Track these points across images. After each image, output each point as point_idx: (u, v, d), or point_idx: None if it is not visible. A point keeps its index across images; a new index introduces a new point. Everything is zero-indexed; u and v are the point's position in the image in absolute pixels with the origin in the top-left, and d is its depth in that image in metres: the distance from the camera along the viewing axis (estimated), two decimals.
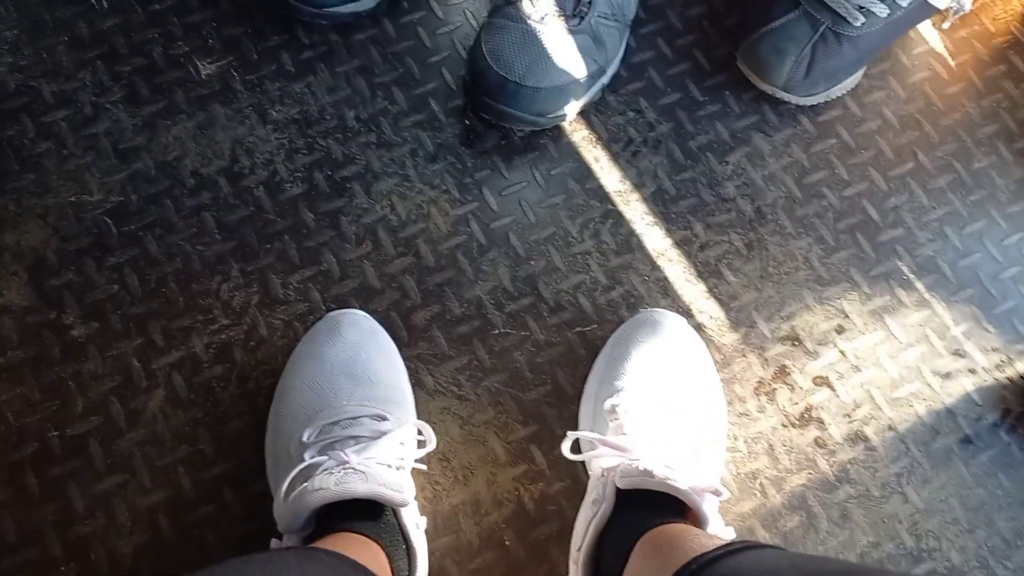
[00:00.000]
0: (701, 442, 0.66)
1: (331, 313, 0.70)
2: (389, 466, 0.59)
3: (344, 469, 0.56)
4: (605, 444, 0.61)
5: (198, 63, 0.82)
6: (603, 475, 0.60)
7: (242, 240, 0.76)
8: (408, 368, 0.71)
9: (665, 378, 0.67)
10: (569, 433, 0.63)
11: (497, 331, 0.75)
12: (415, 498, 0.61)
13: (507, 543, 0.69)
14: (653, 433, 0.62)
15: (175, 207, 0.77)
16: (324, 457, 0.58)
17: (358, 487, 0.55)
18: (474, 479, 0.71)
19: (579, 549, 0.59)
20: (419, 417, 0.69)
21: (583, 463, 0.70)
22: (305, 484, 0.56)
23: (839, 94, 0.83)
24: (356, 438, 0.60)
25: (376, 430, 0.61)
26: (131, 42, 0.82)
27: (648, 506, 0.57)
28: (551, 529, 0.69)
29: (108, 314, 0.73)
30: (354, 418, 0.62)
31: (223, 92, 0.81)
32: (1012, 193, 0.82)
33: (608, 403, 0.65)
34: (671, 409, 0.65)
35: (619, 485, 0.57)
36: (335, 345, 0.67)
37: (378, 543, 0.56)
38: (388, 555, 0.57)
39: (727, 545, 0.48)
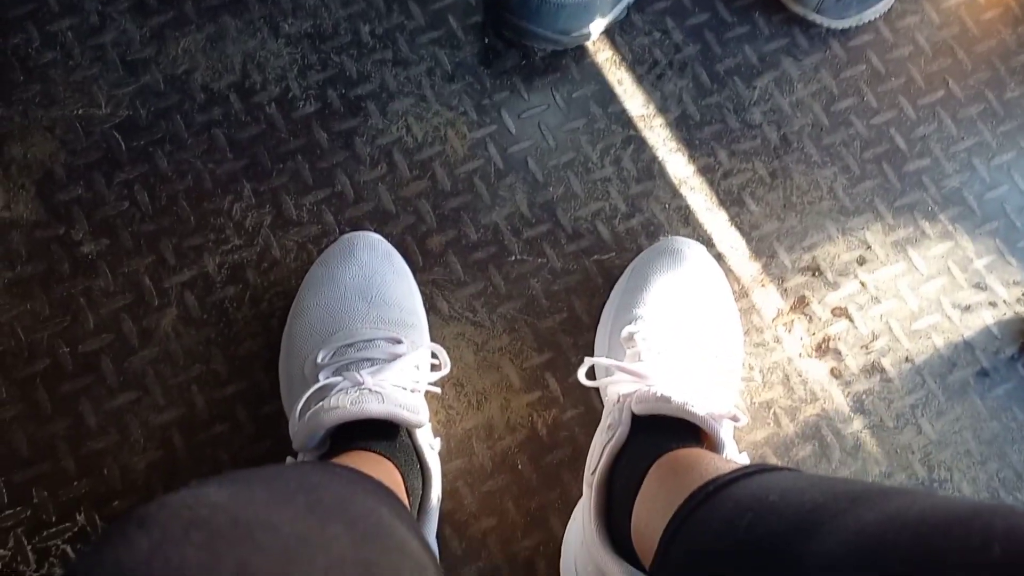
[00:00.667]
0: (717, 371, 0.65)
1: (345, 235, 0.69)
2: (404, 388, 0.59)
3: (360, 390, 0.56)
4: (622, 370, 0.61)
5: None
6: (619, 401, 0.60)
7: (254, 159, 0.74)
8: (423, 293, 0.70)
9: (684, 307, 0.67)
10: (586, 359, 0.63)
11: (513, 257, 0.74)
12: (429, 420, 0.61)
13: (519, 467, 0.69)
14: (670, 361, 0.62)
15: (185, 123, 0.75)
16: (339, 378, 0.58)
17: (374, 407, 0.55)
18: (488, 404, 0.70)
19: (593, 472, 0.59)
20: (434, 341, 0.68)
21: (597, 390, 0.70)
22: (321, 403, 0.55)
23: (872, 17, 0.80)
24: (371, 360, 0.60)
25: (391, 352, 0.61)
26: None
27: (664, 431, 0.57)
28: (563, 454, 0.69)
29: (119, 231, 0.72)
30: (368, 340, 0.61)
31: (233, 3, 0.78)
32: None
33: (626, 330, 0.64)
34: (689, 338, 0.65)
35: (635, 411, 0.57)
36: (350, 267, 0.66)
37: (392, 462, 0.56)
38: (402, 474, 0.57)
39: (744, 468, 0.47)
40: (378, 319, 0.64)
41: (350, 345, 0.61)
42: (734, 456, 0.57)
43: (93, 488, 0.66)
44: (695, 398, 0.57)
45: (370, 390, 0.56)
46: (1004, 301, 0.76)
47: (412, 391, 0.60)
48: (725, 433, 0.56)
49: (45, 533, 0.65)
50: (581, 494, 0.64)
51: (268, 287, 0.71)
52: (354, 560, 0.32)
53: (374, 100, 0.76)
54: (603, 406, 0.68)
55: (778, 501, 0.40)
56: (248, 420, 0.68)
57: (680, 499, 0.48)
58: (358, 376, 0.57)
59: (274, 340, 0.69)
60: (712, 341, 0.66)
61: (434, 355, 0.63)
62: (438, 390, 0.64)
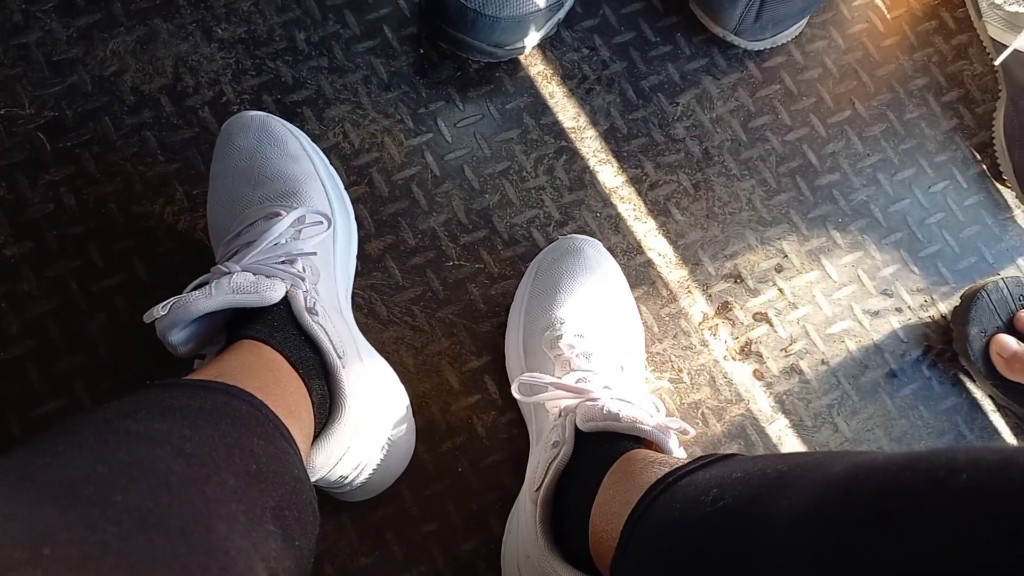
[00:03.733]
0: (633, 364, 0.67)
1: (224, 124, 0.67)
2: (280, 262, 0.57)
3: (222, 279, 0.54)
4: (559, 387, 0.61)
5: None
6: (560, 416, 0.60)
7: (186, 162, 0.73)
8: (362, 298, 0.71)
9: (599, 307, 0.68)
10: (520, 377, 0.63)
11: (451, 263, 0.75)
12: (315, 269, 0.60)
13: (460, 470, 0.70)
14: (601, 365, 0.63)
15: (114, 125, 0.73)
16: (209, 274, 0.56)
17: (202, 304, 0.53)
18: (428, 408, 0.71)
19: (537, 489, 0.58)
20: (372, 345, 0.68)
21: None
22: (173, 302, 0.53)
23: (784, 41, 0.85)
24: (248, 244, 0.58)
25: (263, 230, 0.58)
26: None
27: (608, 440, 0.57)
28: (503, 456, 0.70)
29: (43, 233, 0.69)
30: (250, 224, 0.60)
31: (165, 6, 0.77)
32: (939, 143, 0.86)
33: (547, 335, 0.65)
34: (609, 337, 0.66)
35: (582, 428, 0.57)
36: (231, 155, 0.65)
37: (270, 344, 0.54)
38: (284, 354, 0.54)
39: (702, 458, 0.48)
40: (262, 198, 0.62)
41: (237, 235, 0.60)
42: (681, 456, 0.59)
43: None
44: (640, 411, 0.58)
45: (220, 280, 0.54)
46: (909, 307, 0.81)
47: (289, 262, 0.58)
48: (673, 443, 0.57)
49: None
50: (522, 505, 0.64)
51: None
52: (74, 560, 0.27)
53: (310, 106, 0.77)
54: (530, 417, 0.69)
55: (742, 475, 0.41)
56: None
57: (638, 495, 0.48)
58: (223, 267, 0.56)
59: None
60: (626, 338, 0.68)
61: (320, 215, 0.61)
62: (315, 252, 0.60)
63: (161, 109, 0.74)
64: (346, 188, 0.72)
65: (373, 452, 0.61)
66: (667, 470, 0.49)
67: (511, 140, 0.79)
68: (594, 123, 0.81)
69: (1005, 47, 0.82)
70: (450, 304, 0.74)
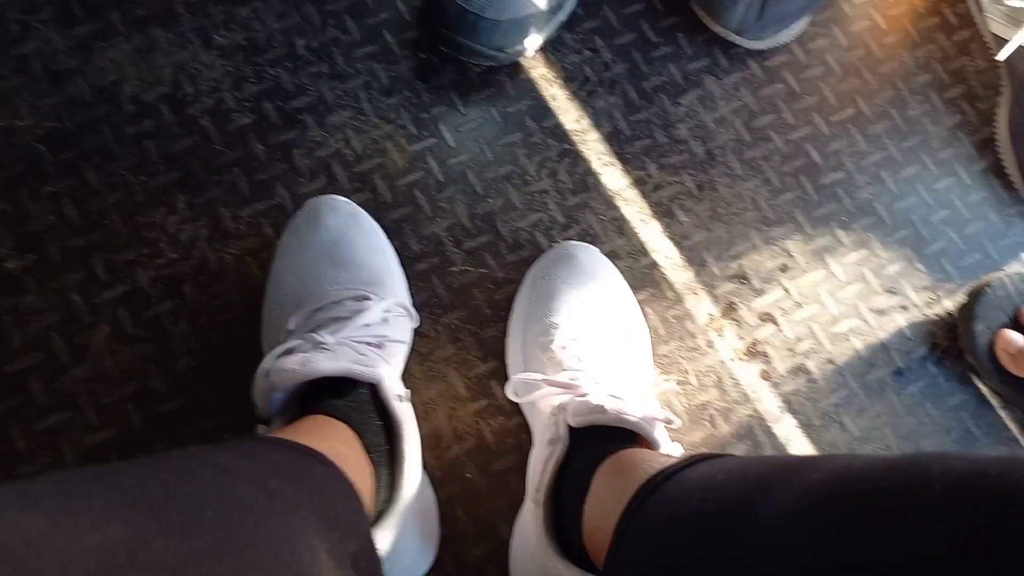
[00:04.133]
0: (634, 362, 0.67)
1: (310, 201, 0.69)
2: (369, 343, 0.58)
3: (317, 349, 0.55)
4: (550, 383, 0.62)
5: None
6: (553, 414, 0.61)
7: (188, 171, 0.73)
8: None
9: (592, 308, 0.68)
10: (513, 377, 0.64)
11: (456, 268, 0.75)
12: (400, 371, 0.62)
13: (468, 475, 0.69)
14: (593, 364, 0.63)
15: (114, 135, 0.73)
16: (299, 340, 0.57)
17: (323, 365, 0.54)
18: (435, 414, 0.70)
19: (538, 489, 0.59)
20: None
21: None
22: (273, 365, 0.54)
23: (787, 39, 0.84)
24: (336, 319, 0.59)
25: (355, 310, 0.60)
26: None
27: (602, 436, 0.58)
28: (511, 461, 0.70)
29: (45, 245, 0.69)
30: (336, 302, 0.61)
31: (163, 15, 0.77)
32: (943, 140, 0.86)
33: (541, 341, 0.66)
34: (604, 338, 0.66)
35: (572, 424, 0.58)
36: (317, 233, 0.66)
37: (346, 422, 0.55)
38: (359, 433, 0.55)
39: (688, 458, 0.50)
40: (347, 281, 0.63)
41: (319, 309, 0.61)
42: (670, 451, 0.59)
43: None
44: (626, 399, 0.59)
45: (325, 348, 0.55)
46: (915, 304, 0.81)
47: (377, 345, 0.59)
48: (659, 433, 0.58)
49: None
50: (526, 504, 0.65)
51: (206, 301, 0.70)
52: (169, 564, 0.29)
53: (311, 113, 0.76)
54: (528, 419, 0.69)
55: (725, 479, 0.43)
56: (190, 437, 0.66)
57: (629, 495, 0.49)
58: (316, 336, 0.56)
59: (215, 354, 0.67)
60: (624, 334, 0.69)
61: (404, 308, 0.63)
62: (405, 340, 0.63)
63: (161, 118, 0.74)
64: (349, 194, 0.72)
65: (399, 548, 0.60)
66: (657, 468, 0.50)
67: (514, 144, 0.79)
68: (597, 125, 0.81)
69: (1007, 42, 0.82)
70: (455, 310, 0.73)
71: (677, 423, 0.59)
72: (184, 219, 0.72)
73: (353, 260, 0.65)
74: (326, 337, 0.56)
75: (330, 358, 0.54)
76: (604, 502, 0.53)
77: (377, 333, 0.59)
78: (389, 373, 0.58)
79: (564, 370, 0.63)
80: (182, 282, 0.70)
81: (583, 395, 0.60)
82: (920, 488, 0.32)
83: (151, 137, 0.73)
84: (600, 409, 0.57)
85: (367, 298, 0.61)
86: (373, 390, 0.58)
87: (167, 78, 0.75)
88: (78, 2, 0.75)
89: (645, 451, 0.57)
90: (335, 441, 0.52)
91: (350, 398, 0.57)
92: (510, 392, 0.64)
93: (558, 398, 0.62)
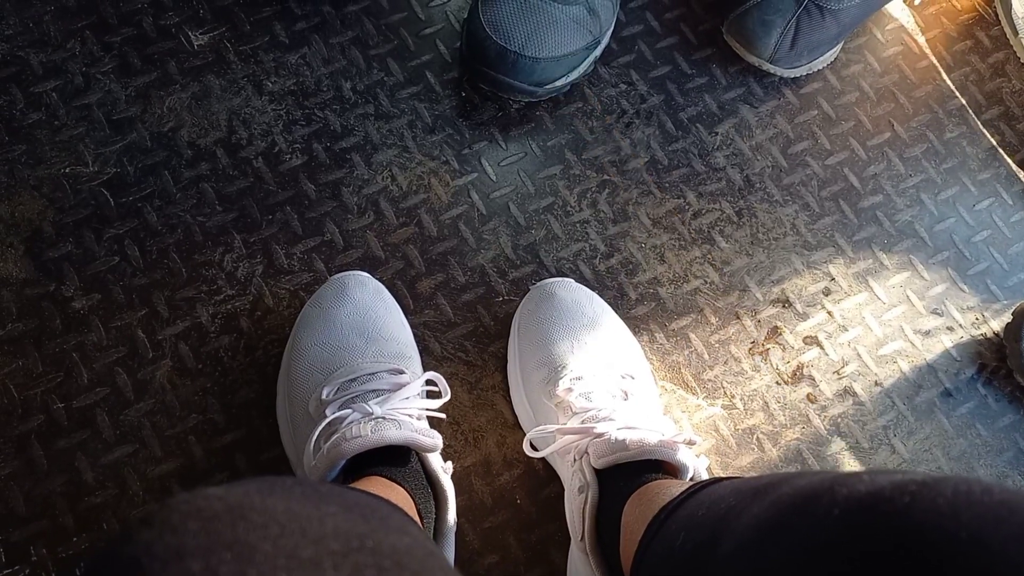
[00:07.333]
0: (639, 384, 0.67)
1: (336, 275, 0.71)
2: (412, 415, 0.60)
3: (375, 419, 0.57)
4: (565, 432, 0.62)
5: (189, 34, 0.81)
6: (576, 459, 0.62)
7: (243, 211, 0.76)
8: (415, 335, 0.72)
9: (587, 343, 0.69)
10: (528, 434, 0.65)
11: (501, 298, 0.76)
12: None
13: (519, 502, 0.70)
14: (602, 399, 0.64)
15: (173, 178, 0.76)
16: (348, 411, 0.59)
17: (392, 434, 0.56)
18: (484, 441, 0.72)
19: (581, 539, 0.60)
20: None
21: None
22: (338, 434, 0.56)
23: (820, 67, 0.86)
24: (376, 391, 0.61)
25: (395, 383, 0.62)
26: (120, 12, 0.80)
27: (627, 473, 0.59)
28: (560, 488, 0.71)
29: (110, 285, 0.72)
30: (372, 374, 0.63)
31: (217, 63, 0.80)
32: (981, 161, 0.86)
33: (545, 388, 0.67)
34: (606, 369, 0.67)
35: (596, 467, 0.59)
36: (344, 306, 0.68)
37: (403, 487, 0.57)
38: (414, 499, 0.57)
39: (687, 489, 0.51)
40: (377, 353, 0.65)
41: (354, 380, 0.63)
42: (698, 466, 0.60)
43: (93, 544, 0.65)
44: (644, 432, 0.59)
45: (385, 418, 0.58)
46: (960, 325, 0.81)
47: (418, 418, 0.61)
48: (683, 454, 0.59)
49: None
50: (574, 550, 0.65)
51: (262, 335, 0.72)
52: (347, 532, 0.33)
53: (359, 152, 0.79)
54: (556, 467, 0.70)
55: (704, 514, 0.46)
56: (248, 467, 0.68)
57: (641, 533, 0.52)
58: (367, 407, 0.59)
59: (271, 387, 0.70)
60: (623, 363, 0.69)
61: (434, 383, 0.65)
62: (443, 415, 0.65)
63: (217, 161, 0.77)
64: (396, 229, 0.74)
65: None
66: (662, 504, 0.52)
67: (554, 176, 0.81)
68: (635, 155, 0.83)
69: None
70: (501, 339, 0.75)
71: (698, 441, 0.60)
72: (240, 257, 0.74)
73: (381, 334, 0.67)
74: (375, 408, 0.59)
75: (395, 427, 0.57)
76: (630, 540, 0.55)
77: (419, 406, 0.61)
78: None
79: (575, 413, 0.63)
80: (239, 317, 0.72)
81: (600, 435, 0.60)
82: (823, 516, 0.35)
83: (208, 179, 0.76)
84: (621, 446, 0.58)
85: (401, 371, 0.64)
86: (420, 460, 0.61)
87: (222, 123, 0.79)
88: (137, 53, 0.79)
89: (661, 483, 0.58)
90: (393, 499, 0.54)
91: (404, 467, 0.59)
92: (528, 449, 0.64)
93: (577, 443, 0.62)
